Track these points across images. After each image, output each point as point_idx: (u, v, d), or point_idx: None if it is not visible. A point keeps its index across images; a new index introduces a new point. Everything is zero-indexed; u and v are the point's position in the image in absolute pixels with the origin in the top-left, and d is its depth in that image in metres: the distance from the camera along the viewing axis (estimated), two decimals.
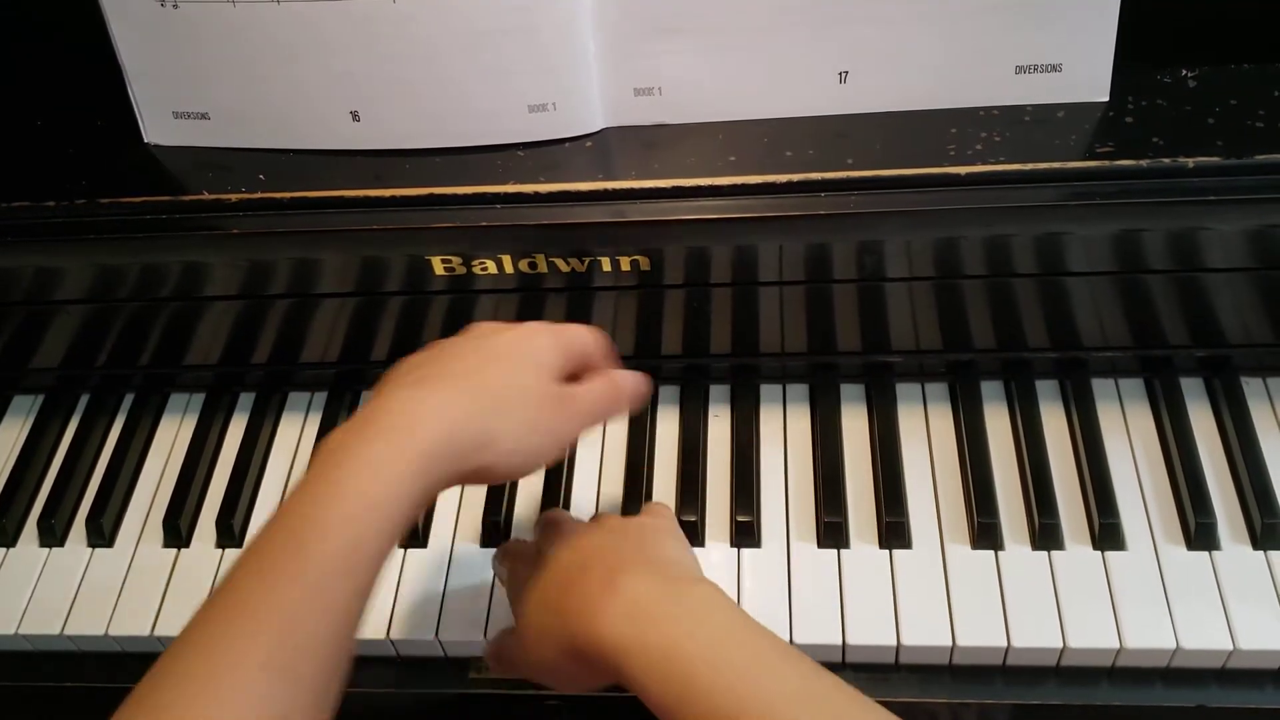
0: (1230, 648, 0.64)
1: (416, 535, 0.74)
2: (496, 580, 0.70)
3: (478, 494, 0.76)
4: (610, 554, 0.58)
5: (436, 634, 0.70)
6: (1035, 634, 0.66)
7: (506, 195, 0.68)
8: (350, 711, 0.72)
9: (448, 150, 0.71)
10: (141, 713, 0.47)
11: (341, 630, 0.50)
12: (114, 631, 0.72)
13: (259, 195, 0.69)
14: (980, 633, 0.66)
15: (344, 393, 0.83)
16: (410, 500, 0.52)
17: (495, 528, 0.74)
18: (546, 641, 0.57)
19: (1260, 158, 0.63)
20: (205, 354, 0.81)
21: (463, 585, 0.72)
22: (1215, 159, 0.64)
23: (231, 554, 0.76)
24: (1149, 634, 0.65)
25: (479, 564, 0.73)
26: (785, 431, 0.78)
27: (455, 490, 0.77)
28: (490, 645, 0.65)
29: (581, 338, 0.62)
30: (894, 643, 0.67)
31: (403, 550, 0.74)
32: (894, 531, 0.71)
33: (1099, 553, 0.69)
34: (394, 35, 0.67)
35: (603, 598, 0.54)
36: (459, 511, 0.76)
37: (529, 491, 0.76)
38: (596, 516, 0.65)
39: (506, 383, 0.57)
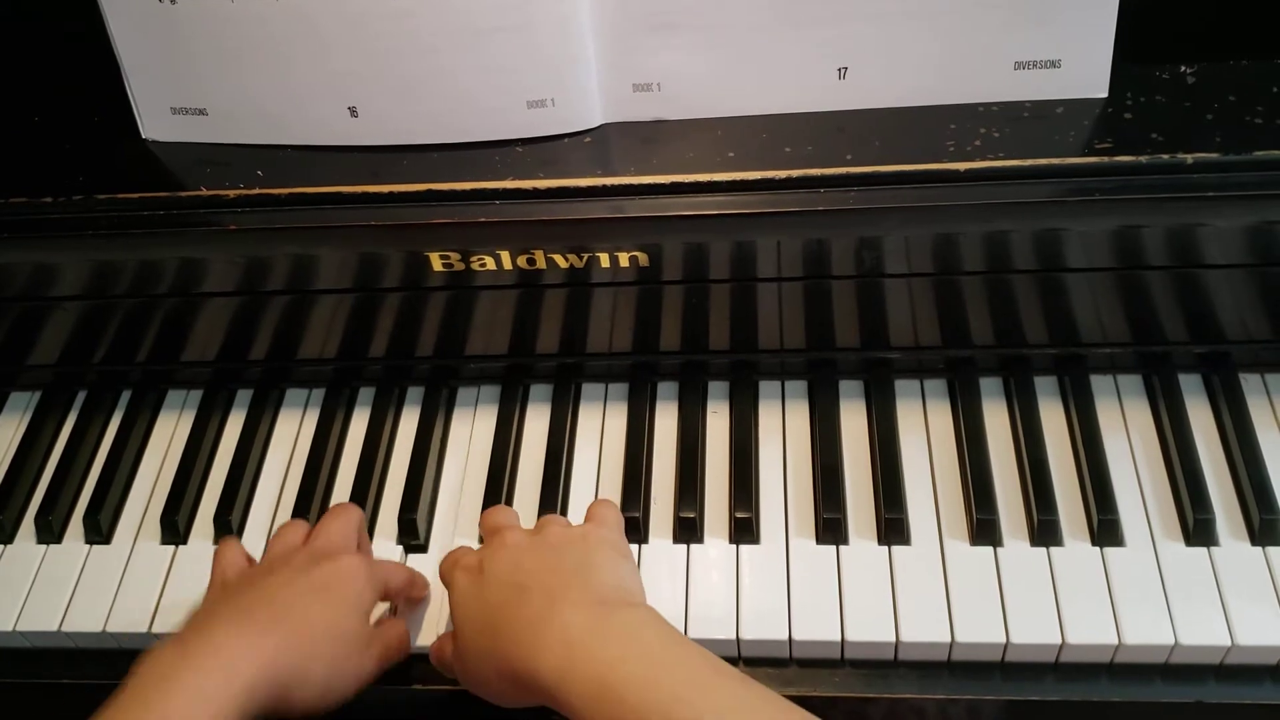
0: (1229, 644, 0.64)
1: (415, 533, 0.74)
2: None
3: (475, 493, 0.76)
4: (550, 577, 0.60)
5: (435, 631, 0.70)
6: (1034, 630, 0.66)
7: (505, 191, 0.67)
8: (345, 709, 0.72)
9: (446, 146, 0.71)
10: None
11: None
12: (112, 628, 0.72)
13: (257, 191, 0.69)
14: (979, 629, 0.66)
15: (341, 389, 0.83)
16: None
17: None
18: (485, 663, 0.60)
19: (1259, 154, 0.64)
20: (202, 350, 0.80)
21: None
22: (1214, 155, 0.64)
23: None
24: (1147, 630, 0.65)
25: None
26: (784, 428, 0.78)
27: (453, 491, 0.77)
28: (434, 647, 0.67)
29: (395, 576, 0.68)
30: (893, 639, 0.66)
31: (400, 548, 0.74)
32: (893, 528, 0.71)
33: (1098, 549, 0.69)
34: (392, 31, 0.67)
35: (539, 629, 0.57)
36: (458, 509, 0.76)
37: (527, 490, 0.76)
38: (541, 522, 0.67)
39: (324, 622, 0.62)
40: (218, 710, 0.55)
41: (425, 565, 0.73)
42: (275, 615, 0.61)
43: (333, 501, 0.78)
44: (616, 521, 0.69)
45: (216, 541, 0.76)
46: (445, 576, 0.67)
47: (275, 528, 0.76)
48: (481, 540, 0.71)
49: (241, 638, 0.58)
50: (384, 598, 0.68)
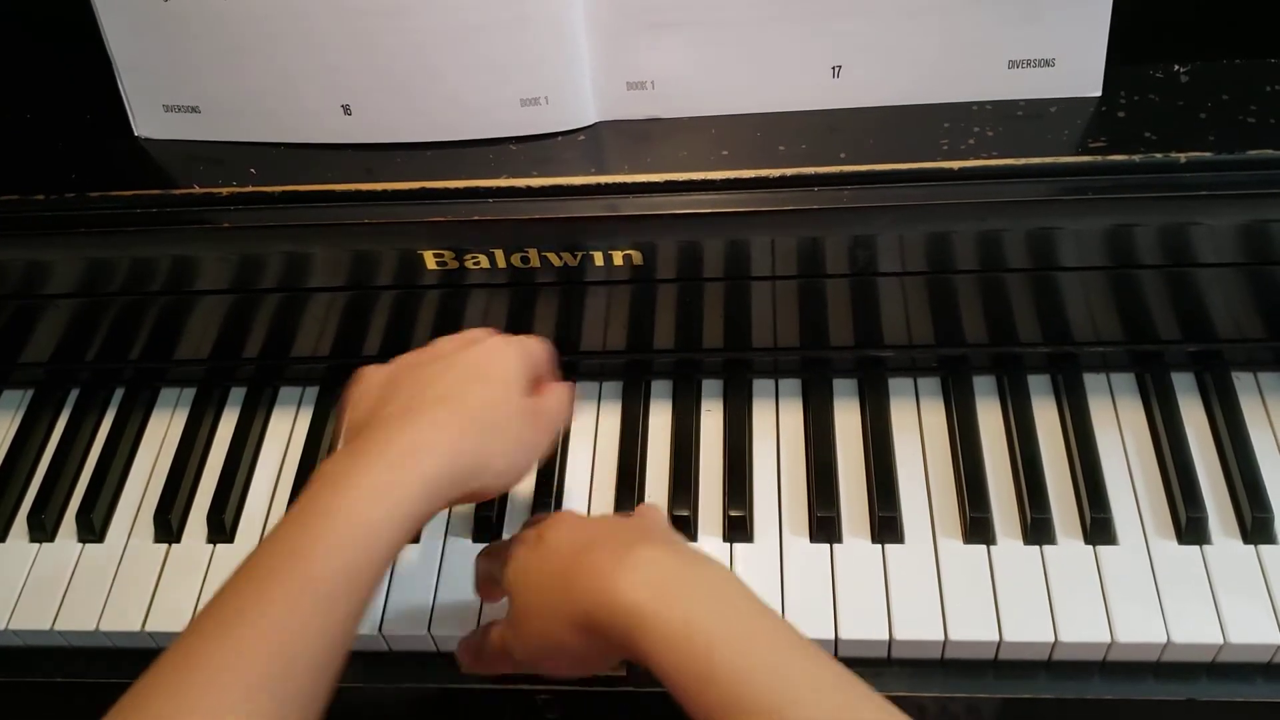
0: (1221, 641, 0.65)
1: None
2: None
3: None
4: (621, 532, 0.58)
5: (429, 629, 0.70)
6: (1027, 628, 0.66)
7: (498, 189, 0.67)
8: (343, 706, 0.72)
9: (439, 144, 0.71)
10: None
11: (334, 652, 0.51)
12: (105, 627, 0.72)
13: (250, 189, 0.69)
14: (972, 627, 0.66)
15: (335, 387, 0.82)
16: (406, 527, 0.53)
17: (487, 522, 0.74)
18: (552, 620, 0.55)
19: (1252, 153, 0.64)
20: (196, 348, 0.80)
21: (455, 580, 0.72)
22: (1207, 154, 0.64)
23: (222, 549, 0.75)
24: (1140, 628, 0.65)
25: (471, 559, 0.73)
26: (778, 426, 0.78)
27: None
28: (465, 644, 0.64)
29: (537, 349, 0.64)
30: (886, 637, 0.67)
31: None
32: (886, 526, 0.71)
33: (1090, 547, 0.69)
34: (386, 29, 0.67)
35: (618, 566, 0.53)
36: (451, 508, 0.76)
37: (522, 488, 0.76)
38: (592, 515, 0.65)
39: (489, 404, 0.58)
40: (393, 502, 0.53)
41: (417, 560, 0.73)
42: (441, 402, 0.57)
43: None
44: (665, 520, 0.67)
45: (209, 541, 0.76)
46: (485, 562, 0.64)
47: (268, 527, 0.76)
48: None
49: (413, 430, 0.56)
50: (535, 377, 0.64)
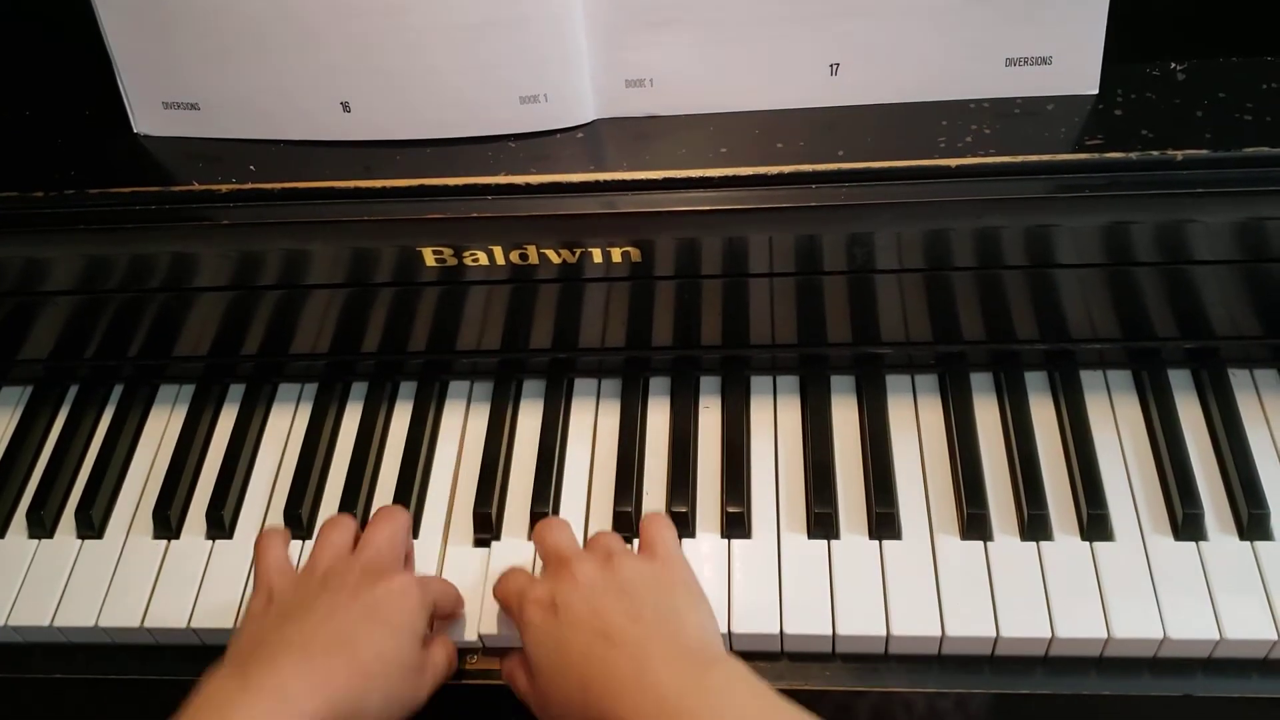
0: (1217, 637, 0.65)
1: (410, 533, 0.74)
2: (489, 576, 0.70)
3: (468, 488, 0.76)
4: (634, 627, 0.60)
5: (475, 629, 0.70)
6: (1023, 624, 0.66)
7: (497, 186, 0.67)
8: None
9: (438, 141, 0.71)
10: None
11: None
12: (104, 623, 0.72)
13: (249, 186, 0.69)
14: (969, 623, 0.66)
15: (334, 384, 0.83)
16: None
17: (486, 521, 0.74)
18: (569, 706, 0.60)
19: (1249, 150, 0.64)
20: (195, 345, 0.80)
21: (455, 580, 0.72)
22: (1204, 152, 0.64)
23: (221, 545, 0.75)
24: (1136, 624, 0.65)
25: (470, 558, 0.73)
26: (776, 423, 0.78)
27: (445, 486, 0.77)
28: (506, 670, 0.67)
29: (444, 595, 0.68)
30: (883, 633, 0.67)
31: None
32: (884, 522, 0.71)
33: (1087, 543, 0.69)
34: (385, 26, 0.67)
35: (632, 691, 0.57)
36: (450, 506, 0.76)
37: (520, 485, 0.76)
38: (603, 549, 0.66)
39: (381, 654, 0.61)
40: None
41: (417, 560, 0.73)
42: (334, 644, 0.60)
43: (325, 497, 0.78)
44: (679, 552, 0.68)
45: (208, 537, 0.76)
46: (510, 605, 0.66)
47: (267, 524, 0.76)
48: (544, 564, 0.69)
49: (301, 669, 0.58)
50: (432, 619, 0.67)
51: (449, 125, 0.70)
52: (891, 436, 0.75)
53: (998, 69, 0.68)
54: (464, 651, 0.71)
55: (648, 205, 0.67)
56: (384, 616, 0.62)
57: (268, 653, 0.60)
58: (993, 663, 0.68)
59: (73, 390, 0.85)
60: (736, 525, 0.72)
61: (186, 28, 0.68)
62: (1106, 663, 0.67)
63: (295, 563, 0.71)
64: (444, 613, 0.69)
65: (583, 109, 0.71)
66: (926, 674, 0.68)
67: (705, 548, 0.72)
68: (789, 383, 0.80)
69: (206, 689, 0.58)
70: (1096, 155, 0.65)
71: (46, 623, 0.73)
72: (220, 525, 0.76)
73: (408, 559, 0.72)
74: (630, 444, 0.77)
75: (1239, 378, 0.76)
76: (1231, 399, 0.75)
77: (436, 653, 0.66)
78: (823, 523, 0.71)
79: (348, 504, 0.76)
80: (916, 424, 0.77)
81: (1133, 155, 0.64)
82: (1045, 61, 0.68)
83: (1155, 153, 0.64)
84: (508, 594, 0.66)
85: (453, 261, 0.70)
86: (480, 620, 0.70)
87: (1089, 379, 0.77)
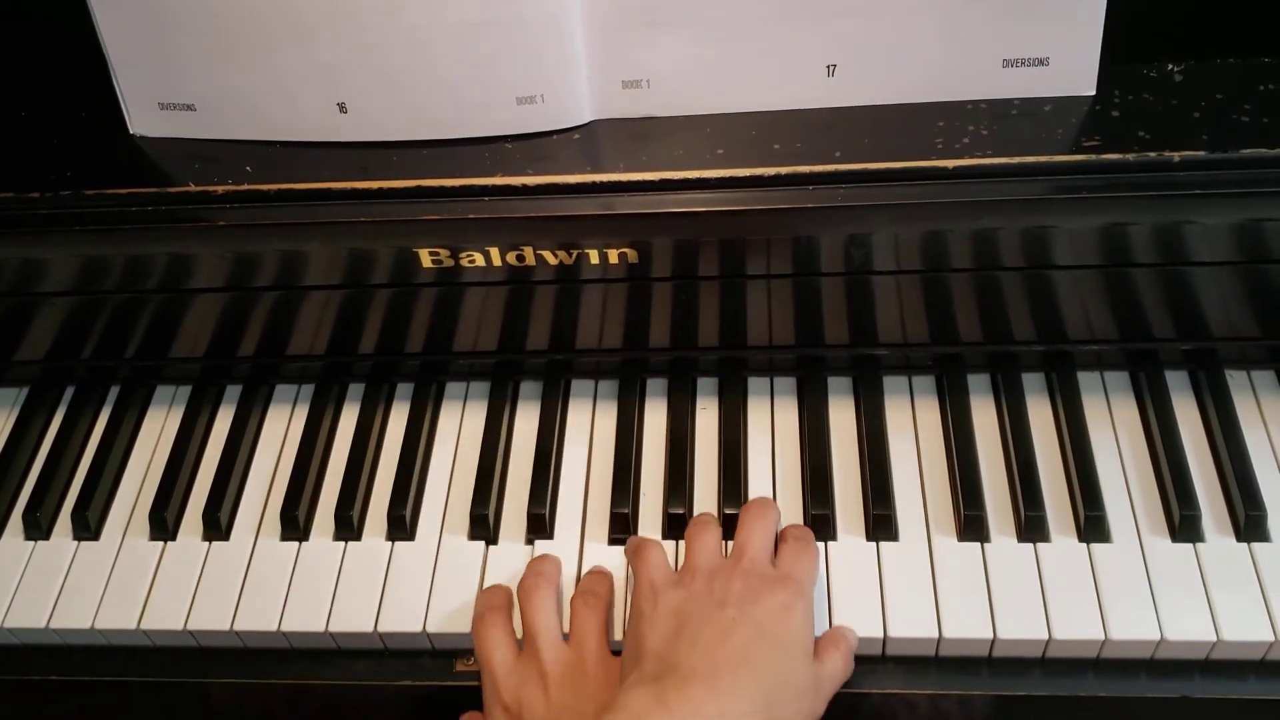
0: (1214, 639, 0.65)
1: (404, 529, 0.74)
2: (486, 579, 0.70)
3: (465, 487, 0.76)
4: (757, 671, 0.59)
5: (424, 627, 0.70)
6: (1021, 625, 0.66)
7: (494, 187, 0.67)
8: (338, 703, 0.72)
9: (435, 142, 0.70)
10: None
11: None
12: (100, 625, 0.72)
13: (245, 187, 0.69)
14: (967, 624, 0.66)
15: (331, 385, 0.83)
16: None
17: (483, 520, 0.74)
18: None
19: (1246, 152, 0.64)
20: (191, 346, 0.80)
21: (450, 578, 0.72)
22: (1201, 153, 0.64)
23: (218, 547, 0.75)
24: (1134, 625, 0.65)
25: (466, 557, 0.73)
26: (773, 424, 0.78)
27: (443, 483, 0.77)
28: None
29: (813, 581, 0.66)
30: (881, 634, 0.67)
31: (390, 544, 0.74)
32: (881, 524, 0.71)
33: (1084, 545, 0.69)
34: (381, 26, 0.67)
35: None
36: (446, 505, 0.76)
37: (517, 486, 0.76)
38: (705, 568, 0.66)
39: (782, 677, 0.59)
40: None
41: (412, 558, 0.73)
42: (741, 666, 0.59)
43: (321, 499, 0.77)
44: (811, 578, 0.67)
45: (205, 539, 0.76)
46: (639, 581, 0.67)
47: (263, 525, 0.76)
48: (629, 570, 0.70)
49: (720, 697, 0.57)
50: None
51: (445, 126, 0.70)
52: (889, 438, 0.75)
53: (995, 70, 0.68)
54: (462, 652, 0.71)
55: (645, 206, 0.67)
56: (777, 636, 0.61)
57: (678, 674, 0.59)
58: (990, 664, 0.68)
59: (69, 391, 0.85)
60: (733, 527, 0.72)
61: (182, 28, 0.68)
62: (1104, 664, 0.67)
63: None
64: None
65: (580, 110, 0.71)
66: (924, 675, 0.68)
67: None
68: (786, 384, 0.80)
69: (623, 698, 0.58)
70: (1094, 157, 0.65)
71: (42, 625, 0.72)
72: (217, 527, 0.76)
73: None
74: (627, 445, 0.77)
75: (1236, 379, 0.76)
76: (1229, 400, 0.75)
77: (831, 664, 0.63)
78: (820, 524, 0.71)
79: (344, 506, 0.75)
80: (914, 425, 0.77)
81: (1130, 156, 0.64)
82: (1043, 62, 0.68)
83: (1152, 154, 0.64)
84: (639, 572, 0.66)
85: (449, 263, 0.70)
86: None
87: (1086, 380, 0.77)
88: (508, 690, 0.64)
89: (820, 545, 0.71)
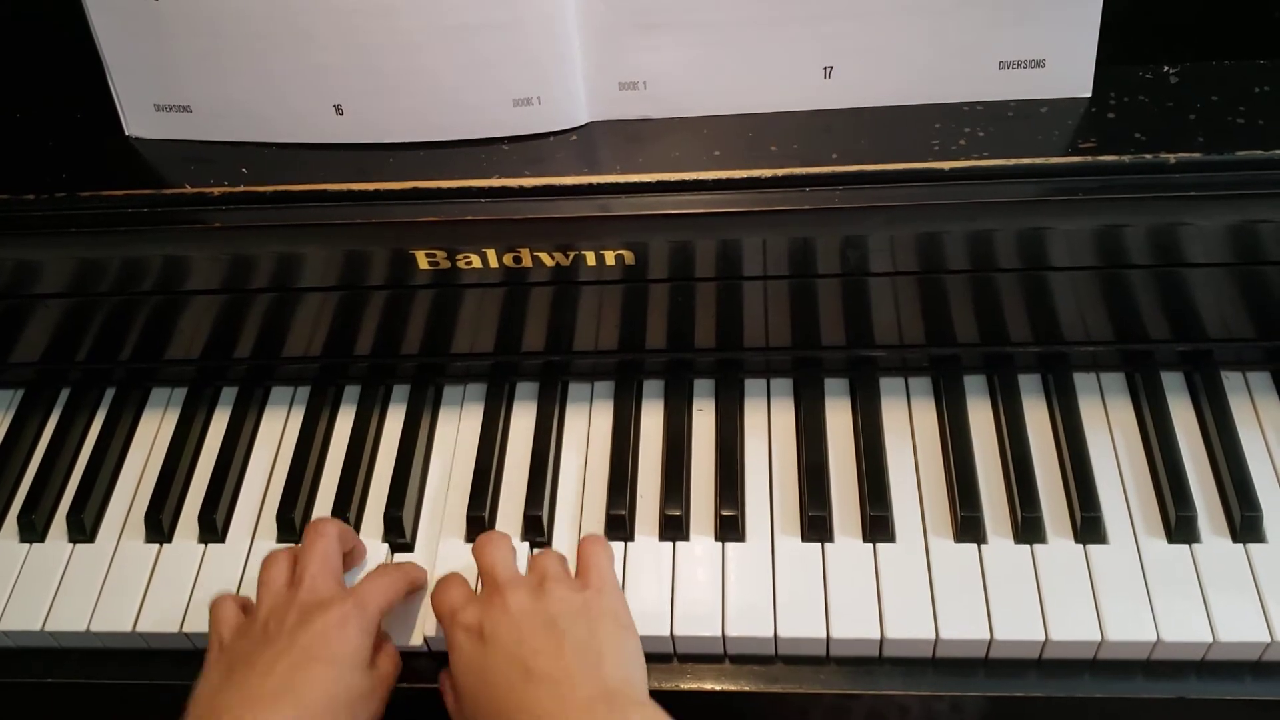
0: (1210, 640, 0.65)
1: (400, 531, 0.74)
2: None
3: (461, 494, 0.76)
4: (554, 662, 0.60)
5: (423, 632, 0.70)
6: (1017, 627, 0.66)
7: (491, 189, 0.67)
8: None
9: (432, 144, 0.70)
10: None
11: None
12: (96, 627, 0.72)
13: (241, 189, 0.69)
14: (963, 626, 0.67)
15: (327, 387, 0.82)
16: None
17: (479, 523, 0.74)
18: None
19: (1241, 154, 0.64)
20: (187, 348, 0.80)
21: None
22: (1196, 155, 0.64)
23: (214, 549, 0.75)
24: (1130, 626, 0.66)
25: (464, 562, 0.73)
26: (769, 426, 0.78)
27: (441, 487, 0.77)
28: (441, 687, 0.67)
29: (386, 595, 0.66)
30: (877, 636, 0.67)
31: (391, 553, 0.74)
32: (878, 525, 0.71)
33: (1081, 546, 0.69)
34: (377, 28, 0.67)
35: None
36: (444, 509, 0.76)
37: (513, 488, 0.76)
38: (539, 571, 0.66)
39: (326, 691, 0.61)
40: None
41: (411, 557, 0.73)
42: (279, 695, 0.60)
43: (318, 501, 0.77)
44: (613, 579, 0.68)
45: (200, 541, 0.76)
46: (442, 619, 0.66)
47: (260, 525, 0.76)
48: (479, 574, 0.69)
49: None
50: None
51: (442, 128, 0.70)
52: (885, 439, 0.75)
53: (991, 72, 0.68)
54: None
55: (641, 208, 0.67)
56: (325, 654, 0.62)
57: (219, 712, 0.59)
58: (987, 665, 0.68)
59: (64, 394, 0.85)
60: (730, 528, 0.72)
61: (178, 30, 0.68)
62: (1100, 665, 0.67)
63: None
64: (395, 600, 0.67)
65: (576, 111, 0.71)
66: (921, 677, 0.68)
67: (699, 551, 0.72)
68: (783, 385, 0.80)
69: None
70: (1089, 158, 0.65)
71: (38, 627, 0.72)
72: (213, 529, 0.76)
73: (353, 555, 0.71)
74: (624, 447, 0.77)
75: (1232, 380, 0.76)
76: (1224, 401, 0.75)
77: (384, 663, 0.66)
78: (817, 526, 0.71)
79: (341, 508, 0.75)
80: (910, 427, 0.77)
81: (1125, 158, 0.64)
82: (1038, 64, 0.68)
83: (1148, 156, 0.64)
84: (441, 609, 0.66)
85: (446, 264, 0.70)
86: None
87: (1082, 381, 0.77)
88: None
89: (817, 547, 0.71)
